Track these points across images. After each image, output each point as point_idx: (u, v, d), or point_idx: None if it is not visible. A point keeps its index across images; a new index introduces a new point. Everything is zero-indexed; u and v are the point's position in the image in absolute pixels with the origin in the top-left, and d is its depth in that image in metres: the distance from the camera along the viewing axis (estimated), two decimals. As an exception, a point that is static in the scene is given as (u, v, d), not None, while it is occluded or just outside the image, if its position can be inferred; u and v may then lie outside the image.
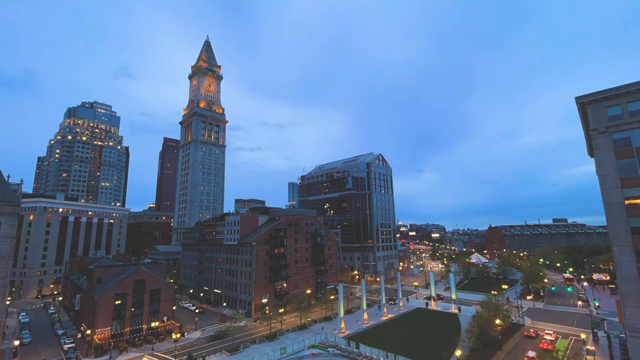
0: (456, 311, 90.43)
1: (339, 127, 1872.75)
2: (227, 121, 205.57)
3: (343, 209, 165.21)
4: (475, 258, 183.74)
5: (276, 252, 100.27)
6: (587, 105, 44.85)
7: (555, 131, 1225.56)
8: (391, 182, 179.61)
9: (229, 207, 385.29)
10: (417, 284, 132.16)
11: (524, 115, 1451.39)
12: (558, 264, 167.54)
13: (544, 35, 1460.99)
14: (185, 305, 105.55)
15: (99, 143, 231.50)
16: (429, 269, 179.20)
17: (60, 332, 78.30)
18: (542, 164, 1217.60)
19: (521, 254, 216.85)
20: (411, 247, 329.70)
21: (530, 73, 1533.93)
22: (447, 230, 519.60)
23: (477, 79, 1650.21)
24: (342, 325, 76.28)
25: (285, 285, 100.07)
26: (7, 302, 70.59)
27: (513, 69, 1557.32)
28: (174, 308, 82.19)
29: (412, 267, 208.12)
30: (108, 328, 68.72)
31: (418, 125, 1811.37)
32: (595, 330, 67.42)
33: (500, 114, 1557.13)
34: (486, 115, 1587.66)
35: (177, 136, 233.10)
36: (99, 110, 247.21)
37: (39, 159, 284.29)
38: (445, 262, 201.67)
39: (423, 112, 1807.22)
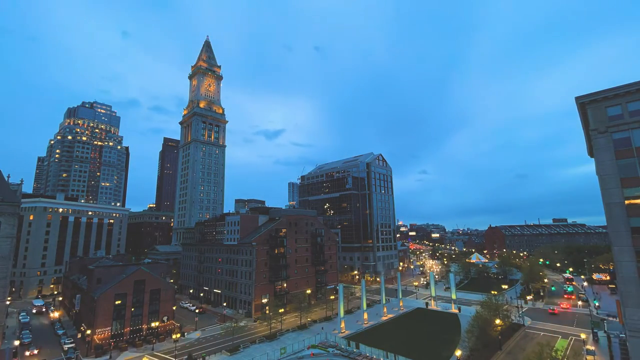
0: (456, 311, 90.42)
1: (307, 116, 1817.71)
2: (227, 121, 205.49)
3: (343, 209, 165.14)
4: (475, 258, 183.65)
5: (276, 252, 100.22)
6: (587, 105, 44.81)
7: (552, 128, 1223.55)
8: (391, 182, 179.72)
9: (229, 207, 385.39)
10: (417, 284, 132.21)
11: (518, 110, 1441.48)
12: (558, 264, 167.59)
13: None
14: (185, 305, 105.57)
15: (99, 143, 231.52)
16: (429, 269, 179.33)
17: (60, 332, 78.32)
18: (541, 161, 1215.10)
19: (521, 254, 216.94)
20: (411, 247, 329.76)
21: (516, 56, 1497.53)
22: (447, 230, 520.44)
23: (461, 65, 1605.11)
24: (342, 325, 76.25)
25: (285, 285, 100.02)
26: (7, 302, 70.55)
27: (498, 51, 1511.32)
28: (174, 308, 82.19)
29: (412, 267, 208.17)
30: (108, 328, 68.69)
31: (404, 117, 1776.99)
32: (595, 330, 67.45)
33: (493, 107, 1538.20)
34: (478, 106, 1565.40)
35: (177, 136, 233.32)
36: (98, 110, 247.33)
37: (39, 159, 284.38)
38: (445, 262, 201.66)
39: (407, 105, 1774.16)
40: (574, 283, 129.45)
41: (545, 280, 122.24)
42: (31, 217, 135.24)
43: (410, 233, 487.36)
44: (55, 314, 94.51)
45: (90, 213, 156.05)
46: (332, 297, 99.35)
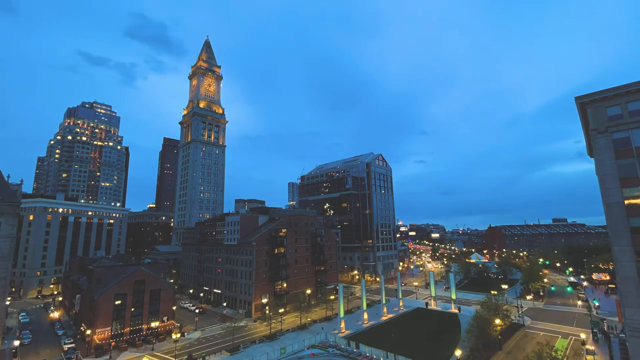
0: (456, 311, 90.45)
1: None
2: (227, 121, 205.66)
3: (343, 209, 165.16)
4: (475, 258, 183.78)
5: (276, 252, 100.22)
6: (586, 105, 44.80)
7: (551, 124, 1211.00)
8: (391, 182, 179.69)
9: (229, 207, 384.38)
10: (417, 284, 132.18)
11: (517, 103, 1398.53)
12: (558, 264, 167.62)
13: None
14: (185, 305, 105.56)
15: (99, 143, 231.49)
16: (429, 269, 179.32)
17: (60, 332, 78.35)
18: (540, 159, 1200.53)
19: (521, 254, 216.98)
20: (411, 247, 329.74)
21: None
22: (447, 230, 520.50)
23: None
24: (342, 325, 76.30)
25: (285, 285, 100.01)
26: (7, 302, 70.52)
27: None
28: (174, 308, 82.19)
29: (412, 267, 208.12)
30: (108, 328, 68.72)
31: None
32: (595, 330, 67.47)
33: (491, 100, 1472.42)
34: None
35: (177, 136, 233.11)
36: (98, 110, 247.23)
37: (39, 159, 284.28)
38: (445, 262, 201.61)
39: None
40: (580, 294, 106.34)
41: (545, 280, 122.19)
42: (31, 217, 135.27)
43: (410, 233, 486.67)
44: (55, 314, 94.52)
45: (90, 213, 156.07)
46: (332, 297, 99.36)
